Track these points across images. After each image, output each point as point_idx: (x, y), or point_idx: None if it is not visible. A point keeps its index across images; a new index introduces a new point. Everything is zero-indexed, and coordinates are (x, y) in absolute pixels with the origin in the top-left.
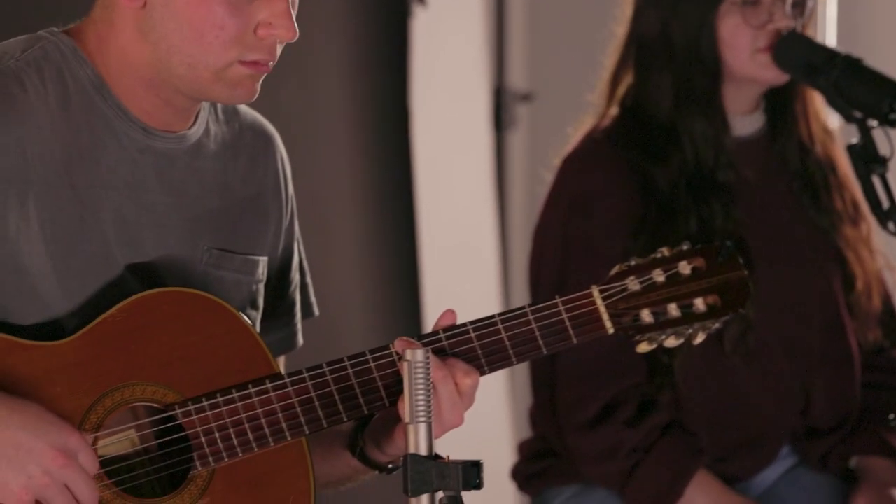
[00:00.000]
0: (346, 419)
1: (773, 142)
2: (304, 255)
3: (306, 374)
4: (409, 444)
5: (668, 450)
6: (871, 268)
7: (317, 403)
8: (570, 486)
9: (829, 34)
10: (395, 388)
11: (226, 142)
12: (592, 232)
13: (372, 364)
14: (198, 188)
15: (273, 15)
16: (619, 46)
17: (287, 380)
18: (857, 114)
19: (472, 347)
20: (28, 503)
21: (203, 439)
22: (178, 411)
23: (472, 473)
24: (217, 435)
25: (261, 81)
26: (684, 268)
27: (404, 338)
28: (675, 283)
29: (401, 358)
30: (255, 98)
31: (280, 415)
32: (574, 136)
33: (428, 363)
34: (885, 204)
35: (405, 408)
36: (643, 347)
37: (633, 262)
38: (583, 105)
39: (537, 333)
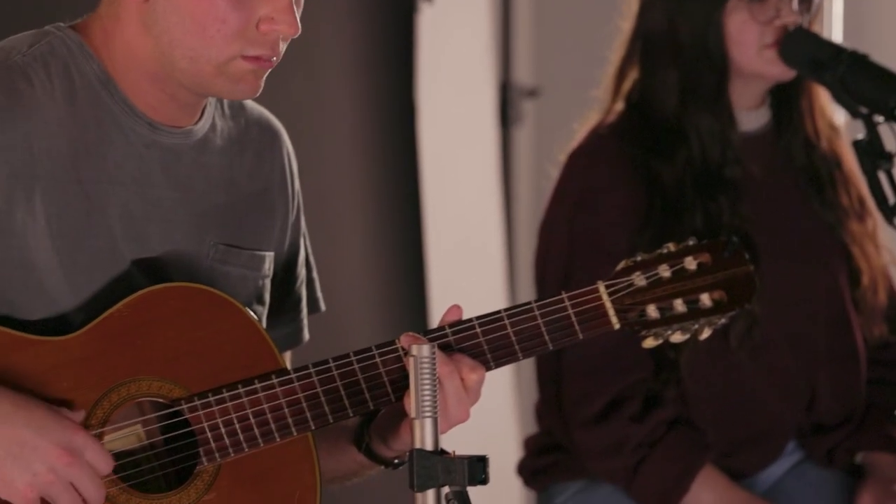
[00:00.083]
0: (351, 414)
1: (779, 137)
2: (310, 251)
3: (312, 370)
4: (414, 440)
5: (673, 445)
6: (876, 263)
7: (323, 399)
8: (575, 481)
9: (835, 30)
10: (400, 383)
11: (232, 137)
12: (598, 227)
13: (378, 359)
14: (204, 183)
15: (275, 10)
16: (624, 42)
17: (293, 375)
18: (863, 109)
19: (478, 343)
20: (33, 501)
21: (209, 434)
22: (184, 406)
23: (477, 469)
24: (223, 430)
25: (264, 77)
26: (690, 263)
27: (410, 333)
28: (681, 278)
29: (407, 353)
30: (258, 94)
31: (286, 410)
32: (580, 131)
33: (434, 358)
34: (891, 199)
35: (411, 403)
36: (649, 343)
37: (638, 258)
38: (589, 101)
39: (543, 329)
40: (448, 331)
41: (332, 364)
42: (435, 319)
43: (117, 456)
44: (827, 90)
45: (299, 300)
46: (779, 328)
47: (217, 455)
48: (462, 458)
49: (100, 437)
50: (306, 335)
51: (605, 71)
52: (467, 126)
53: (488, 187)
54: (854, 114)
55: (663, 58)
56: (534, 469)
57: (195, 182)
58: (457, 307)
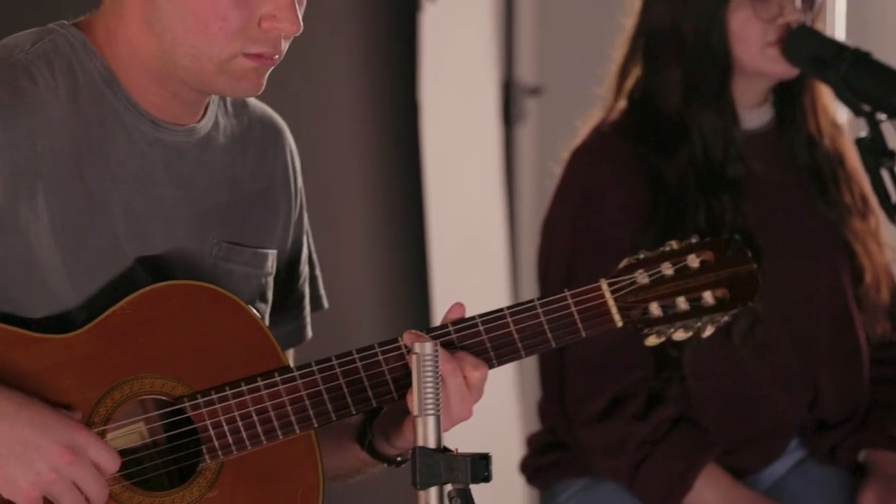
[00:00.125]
0: (354, 412)
1: (782, 135)
2: (313, 248)
3: (315, 367)
4: (417, 437)
5: (676, 443)
6: (879, 261)
7: (325, 396)
8: (579, 479)
9: (838, 28)
10: (403, 380)
11: (235, 135)
12: (601, 225)
13: (381, 357)
14: (207, 181)
15: (277, 8)
16: (627, 39)
17: (296, 373)
18: (866, 107)
19: (481, 340)
20: (36, 500)
21: (212, 432)
22: (186, 404)
23: (480, 466)
24: (226, 428)
25: (266, 76)
26: (693, 261)
27: (413, 331)
28: (684, 276)
29: (409, 351)
30: (260, 92)
31: (289, 408)
32: (583, 129)
33: (436, 356)
34: (894, 197)
35: (413, 400)
36: (652, 341)
37: (641, 256)
38: (591, 98)
39: (546, 327)
40: (451, 328)
41: (334, 362)
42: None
43: (120, 454)
44: (830, 88)
45: (302, 298)
46: (782, 326)
47: (220, 453)
48: (465, 455)
49: (102, 434)
50: (309, 333)
51: (607, 68)
52: (470, 124)
53: (491, 185)
54: (857, 112)
55: (666, 55)
56: (537, 467)
57: (198, 180)
58: (459, 305)
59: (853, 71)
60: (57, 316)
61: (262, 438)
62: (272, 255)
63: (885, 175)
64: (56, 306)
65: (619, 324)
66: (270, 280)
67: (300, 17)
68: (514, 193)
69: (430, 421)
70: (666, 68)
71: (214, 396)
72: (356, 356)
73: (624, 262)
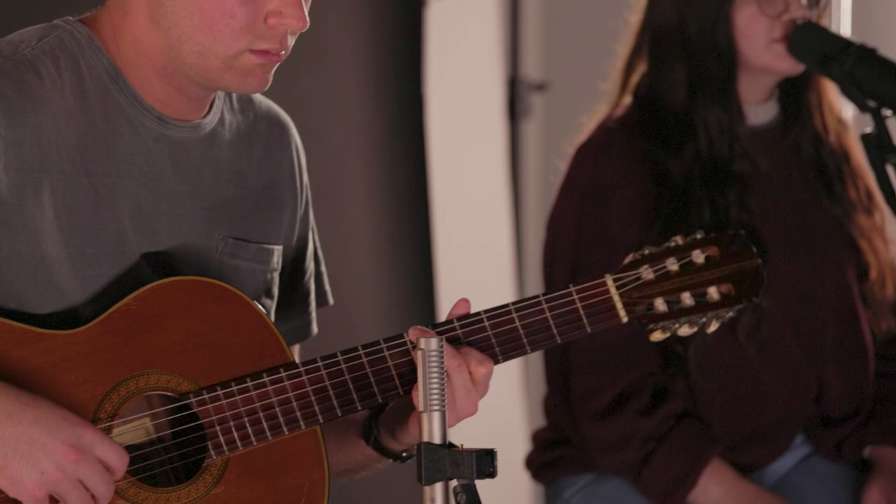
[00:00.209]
0: (360, 408)
1: (787, 131)
2: (318, 244)
3: (320, 363)
4: (422, 433)
5: (681, 439)
6: (884, 257)
7: (331, 392)
8: (583, 475)
9: (843, 24)
10: (409, 376)
11: (241, 131)
12: (606, 221)
13: (386, 353)
14: (213, 177)
15: (283, 4)
16: (633, 35)
17: (301, 368)
18: (872, 103)
19: (486, 336)
20: (42, 499)
21: (217, 428)
22: (192, 400)
23: (485, 462)
24: (231, 423)
25: (273, 71)
26: (698, 256)
27: (418, 326)
28: (689, 271)
29: (415, 346)
30: (266, 88)
31: (294, 403)
32: (588, 125)
33: (442, 352)
34: None
35: (419, 396)
36: (657, 336)
37: (646, 251)
38: (597, 94)
39: (551, 322)
40: (456, 324)
41: (340, 357)
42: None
43: (126, 449)
44: (835, 84)
45: (308, 294)
46: (787, 322)
47: (225, 448)
48: (470, 451)
49: (108, 430)
50: (315, 329)
51: (613, 64)
52: (476, 120)
53: (496, 181)
54: (862, 108)
55: (672, 51)
56: (542, 463)
57: (204, 176)
58: (465, 301)
59: (858, 67)
60: (63, 312)
61: (268, 434)
62: (278, 251)
63: (891, 171)
64: (62, 302)
65: (625, 319)
66: (276, 276)
67: (306, 14)
68: (520, 189)
69: (436, 416)
70: (671, 64)
71: (220, 392)
72: (361, 352)
73: (629, 258)
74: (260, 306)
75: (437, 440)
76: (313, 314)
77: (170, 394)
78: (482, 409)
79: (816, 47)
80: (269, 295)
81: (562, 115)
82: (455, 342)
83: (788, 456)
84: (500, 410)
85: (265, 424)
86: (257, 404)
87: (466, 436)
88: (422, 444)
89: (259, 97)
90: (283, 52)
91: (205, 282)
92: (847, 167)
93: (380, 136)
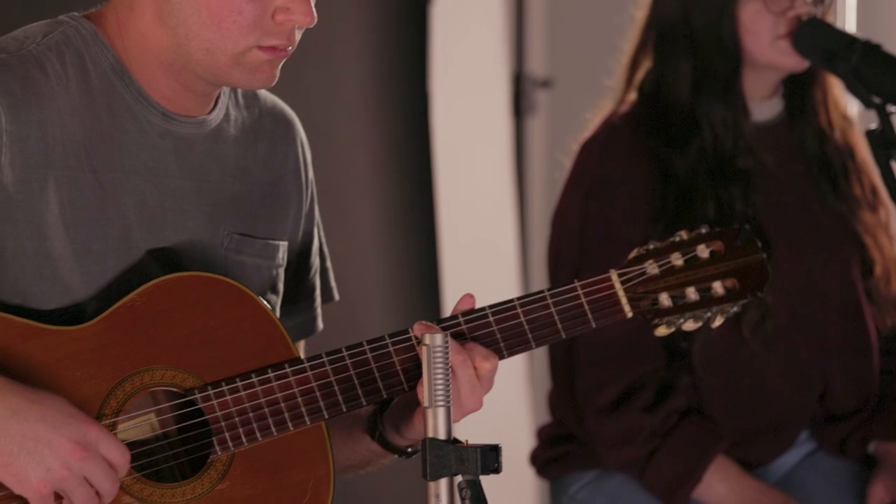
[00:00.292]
0: (365, 403)
1: (792, 128)
2: (323, 240)
3: (326, 359)
4: (427, 428)
5: (686, 435)
6: (889, 253)
7: (336, 388)
8: (588, 471)
9: (848, 20)
10: (414, 372)
11: (246, 127)
12: (611, 217)
13: (391, 348)
14: (218, 173)
15: (291, 0)
16: (638, 31)
17: (306, 364)
18: (877, 100)
19: (491, 332)
20: (47, 496)
21: (223, 424)
22: (197, 396)
23: (490, 458)
24: (237, 419)
25: (280, 67)
26: (703, 251)
27: (423, 322)
28: (694, 266)
29: (420, 342)
30: (274, 83)
31: (299, 399)
32: (593, 121)
33: (447, 347)
34: None
35: (424, 392)
36: (661, 331)
37: (651, 246)
38: (602, 91)
39: (556, 317)
40: (461, 319)
41: (345, 353)
42: (448, 308)
43: (131, 445)
44: (840, 80)
45: (313, 290)
46: (791, 318)
47: (230, 444)
48: (475, 446)
49: (113, 426)
50: (320, 325)
51: (618, 61)
52: (481, 116)
53: (502, 178)
54: (867, 104)
55: (676, 47)
56: (546, 459)
57: (209, 171)
58: (470, 296)
59: (864, 63)
60: (68, 307)
61: (273, 430)
62: (283, 247)
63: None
64: (67, 298)
65: (629, 314)
66: (281, 272)
67: (313, 9)
68: (525, 185)
69: (441, 412)
70: (676, 60)
71: (225, 388)
72: (367, 347)
73: (633, 253)
74: (265, 302)
75: (441, 436)
76: (318, 310)
77: (175, 389)
78: (487, 405)
79: (821, 44)
80: (275, 291)
81: (567, 111)
82: (460, 338)
83: (793, 452)
84: (504, 406)
85: (270, 420)
86: (262, 400)
87: (471, 431)
88: (426, 440)
89: (264, 93)
90: (290, 48)
91: (210, 278)
92: (852, 164)
93: (385, 132)
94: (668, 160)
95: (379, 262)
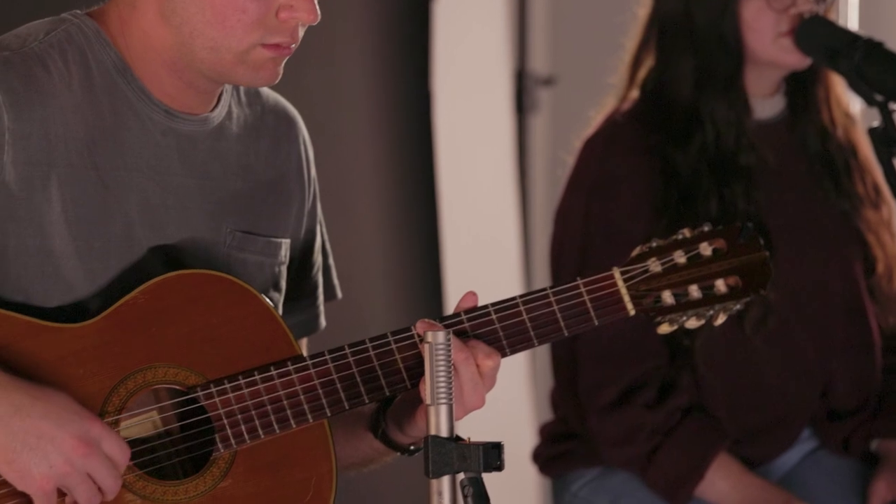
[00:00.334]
0: (367, 401)
1: (794, 125)
2: (326, 238)
3: (328, 356)
4: (429, 426)
5: (688, 432)
6: (891, 251)
7: (338, 385)
8: (591, 468)
9: (851, 18)
10: (416, 369)
11: (248, 124)
12: (614, 214)
13: (393, 346)
14: (220, 170)
15: None
16: (640, 29)
17: (309, 362)
18: (879, 97)
19: (494, 329)
20: (49, 492)
21: (225, 421)
22: (200, 393)
23: (492, 455)
24: (239, 417)
25: (283, 64)
26: (705, 249)
27: (426, 319)
28: (696, 264)
29: (422, 340)
30: (277, 80)
31: (302, 396)
32: (595, 119)
33: (449, 345)
34: None
35: (426, 389)
36: (664, 329)
37: (654, 244)
38: (604, 88)
39: (559, 315)
40: (463, 317)
41: (347, 350)
42: (450, 306)
43: (133, 443)
44: (842, 78)
45: (316, 287)
46: (794, 316)
47: (233, 441)
48: (477, 444)
49: (116, 424)
50: (323, 322)
51: (620, 58)
52: (483, 114)
53: (504, 175)
54: (869, 102)
55: (679, 45)
56: (549, 456)
57: (211, 169)
58: (472, 294)
59: (866, 61)
60: (70, 305)
61: (275, 427)
62: (286, 245)
63: None
64: (69, 295)
65: (632, 312)
66: (284, 269)
67: (317, 6)
68: (527, 183)
69: (443, 410)
70: (678, 58)
71: (227, 386)
72: (369, 345)
73: (636, 251)
74: (268, 300)
75: (444, 433)
76: (321, 308)
77: (177, 387)
78: (489, 403)
79: (824, 41)
80: (277, 288)
81: (569, 109)
82: (462, 335)
83: (795, 450)
84: (507, 404)
85: (273, 418)
86: (265, 397)
87: (474, 429)
88: (429, 438)
89: (266, 90)
90: (293, 45)
91: (213, 275)
92: (854, 161)
93: (387, 129)
94: (670, 157)
95: (381, 260)
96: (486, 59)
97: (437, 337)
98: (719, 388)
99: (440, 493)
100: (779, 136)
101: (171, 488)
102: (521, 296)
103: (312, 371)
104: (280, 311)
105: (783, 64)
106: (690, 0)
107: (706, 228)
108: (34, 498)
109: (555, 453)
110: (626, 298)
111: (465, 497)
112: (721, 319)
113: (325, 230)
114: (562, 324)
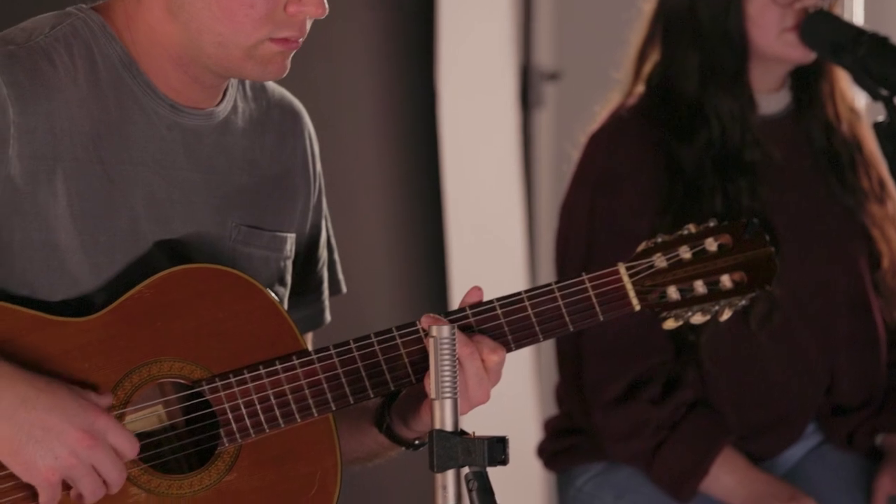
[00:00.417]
0: (372, 395)
1: (800, 120)
2: (331, 232)
3: (333, 351)
4: (434, 420)
5: (693, 428)
6: None
7: (344, 380)
8: (595, 463)
9: (856, 13)
10: (421, 364)
11: (254, 119)
12: (619, 210)
13: (399, 341)
14: (226, 165)
15: None
16: (645, 24)
17: (314, 356)
18: (884, 92)
19: (499, 324)
20: (55, 483)
21: (230, 416)
22: (205, 387)
23: (497, 449)
24: (244, 411)
25: (290, 58)
26: (711, 244)
27: (431, 314)
28: (702, 259)
29: (427, 334)
30: (285, 74)
31: (307, 391)
32: (601, 114)
33: (454, 339)
34: None
35: (431, 384)
36: (669, 324)
37: (659, 239)
38: (610, 83)
39: (564, 310)
40: (469, 312)
41: (352, 345)
42: (456, 301)
43: (138, 437)
44: (847, 73)
45: (321, 282)
46: (799, 311)
47: (238, 436)
48: (482, 438)
49: (121, 417)
50: (328, 317)
51: (625, 53)
52: (488, 109)
53: (509, 171)
54: (874, 96)
55: (684, 40)
56: (554, 451)
57: (217, 163)
58: (477, 289)
59: (871, 55)
60: (76, 299)
61: (280, 422)
62: (291, 239)
63: None
64: (75, 289)
65: (637, 307)
66: (289, 264)
67: (325, 0)
68: (532, 178)
69: (448, 404)
70: (683, 53)
71: (233, 380)
72: (374, 340)
73: (641, 246)
74: (273, 294)
75: (448, 427)
76: (326, 302)
77: (182, 381)
78: (494, 397)
79: (828, 36)
80: (283, 283)
81: (575, 104)
82: (468, 330)
83: (800, 445)
84: (512, 398)
85: (277, 412)
86: (270, 392)
87: (478, 423)
88: (433, 432)
89: (272, 85)
90: (301, 39)
91: (218, 269)
92: (859, 156)
93: (392, 125)
94: (675, 152)
95: (386, 255)
96: (491, 55)
97: (441, 331)
98: (724, 383)
99: (445, 487)
100: (784, 131)
101: (176, 482)
102: (526, 291)
103: (317, 365)
104: (285, 305)
105: (788, 59)
106: None
107: (712, 224)
108: (39, 490)
109: (559, 448)
110: (632, 294)
111: (469, 491)
112: (726, 315)
113: (330, 225)
114: (567, 319)
